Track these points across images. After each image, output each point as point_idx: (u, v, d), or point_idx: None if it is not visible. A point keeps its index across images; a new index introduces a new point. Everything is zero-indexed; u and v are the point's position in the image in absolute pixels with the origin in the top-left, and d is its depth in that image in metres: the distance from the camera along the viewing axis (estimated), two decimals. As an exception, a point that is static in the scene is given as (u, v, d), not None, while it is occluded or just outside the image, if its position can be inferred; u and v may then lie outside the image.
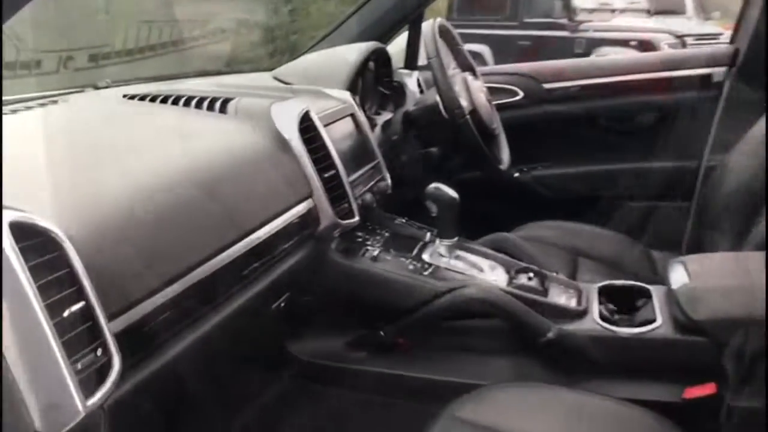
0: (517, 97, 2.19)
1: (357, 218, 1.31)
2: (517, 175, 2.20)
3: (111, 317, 0.73)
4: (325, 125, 1.32)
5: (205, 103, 1.27)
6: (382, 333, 1.33)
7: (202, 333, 0.94)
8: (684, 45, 7.24)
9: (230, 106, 1.26)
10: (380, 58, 1.86)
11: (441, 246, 1.39)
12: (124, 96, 1.34)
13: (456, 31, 1.85)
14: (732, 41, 2.10)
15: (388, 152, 1.75)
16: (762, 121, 1.77)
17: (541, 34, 8.14)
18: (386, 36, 2.07)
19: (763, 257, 1.34)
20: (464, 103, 1.64)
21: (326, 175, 1.25)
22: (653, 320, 1.24)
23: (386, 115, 1.84)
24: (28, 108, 1.27)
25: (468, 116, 1.61)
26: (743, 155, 1.79)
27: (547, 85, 2.17)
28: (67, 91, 1.45)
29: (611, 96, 2.14)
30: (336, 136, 1.36)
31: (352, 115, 1.48)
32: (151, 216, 0.87)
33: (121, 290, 0.77)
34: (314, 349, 1.37)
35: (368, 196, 1.38)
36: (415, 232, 1.50)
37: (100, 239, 0.78)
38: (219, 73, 1.96)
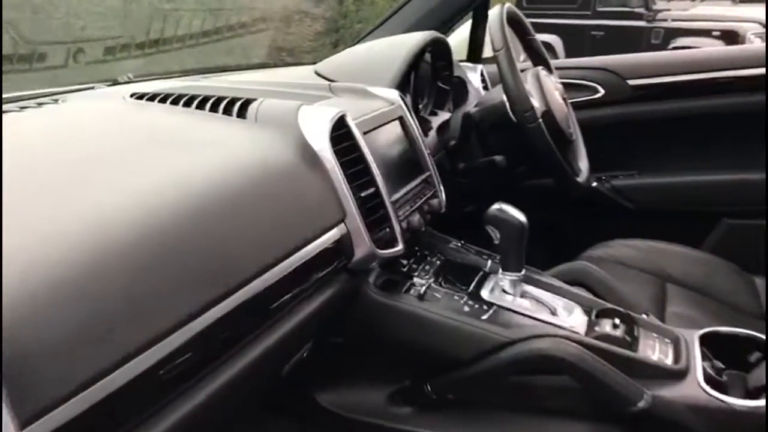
0: (598, 95, 1.90)
1: (401, 246, 1.07)
2: (595, 184, 1.92)
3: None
4: (365, 132, 1.09)
5: (222, 106, 1.06)
6: (428, 387, 1.09)
7: (216, 387, 0.75)
8: (773, 34, 6.72)
9: (251, 109, 1.04)
10: (438, 49, 1.62)
11: (504, 280, 1.14)
12: (132, 95, 1.14)
13: (528, 20, 1.59)
14: None
15: (445, 160, 1.50)
16: None
17: (615, 24, 7.72)
18: (446, 25, 1.83)
19: None
20: (536, 103, 1.37)
21: (363, 194, 1.02)
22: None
23: (444, 116, 1.60)
24: (22, 108, 1.09)
25: (540, 119, 1.34)
26: None
27: (632, 82, 1.88)
28: (74, 88, 1.27)
29: (709, 95, 1.83)
30: (379, 145, 1.13)
31: (401, 119, 1.24)
32: (128, 264, 0.66)
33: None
34: (348, 402, 1.14)
35: (416, 218, 1.14)
36: (472, 259, 1.25)
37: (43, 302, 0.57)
38: (260, 66, 1.75)
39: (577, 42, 7.89)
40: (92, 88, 1.28)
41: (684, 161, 1.88)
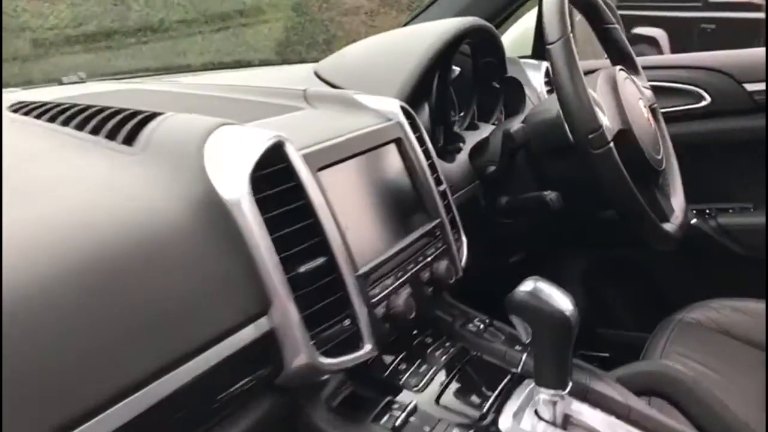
0: (704, 103, 1.45)
1: (368, 348, 0.69)
2: (696, 221, 1.45)
3: None
4: (324, 167, 0.71)
5: (109, 126, 0.70)
6: None
7: None
8: None
9: (145, 131, 0.68)
10: (483, 40, 1.22)
11: (541, 396, 0.73)
12: (11, 107, 0.81)
13: (605, 4, 1.15)
14: None
15: (480, 194, 1.11)
16: None
17: (729, 16, 6.95)
18: (503, 11, 1.42)
19: None
20: (607, 120, 0.95)
21: (304, 269, 0.64)
22: None
23: (487, 130, 1.19)
24: None
25: (612, 143, 0.92)
26: None
27: (750, 86, 1.40)
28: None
29: None
30: (351, 186, 0.75)
31: (398, 142, 0.85)
32: None
33: None
34: None
35: (402, 299, 0.74)
36: (500, 350, 0.85)
37: None
38: (259, 64, 1.40)
39: (685, 37, 7.18)
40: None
41: None
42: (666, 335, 1.22)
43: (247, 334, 0.61)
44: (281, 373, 0.64)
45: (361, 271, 0.70)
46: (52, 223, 0.54)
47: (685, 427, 0.78)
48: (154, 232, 0.57)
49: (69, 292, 0.50)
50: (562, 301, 0.68)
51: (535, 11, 1.62)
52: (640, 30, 7.73)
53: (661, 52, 7.17)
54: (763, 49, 1.55)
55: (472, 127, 1.23)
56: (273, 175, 0.65)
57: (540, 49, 1.57)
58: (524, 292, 0.69)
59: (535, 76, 1.44)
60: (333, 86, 1.10)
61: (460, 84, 1.21)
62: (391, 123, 0.85)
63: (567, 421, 0.74)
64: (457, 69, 1.16)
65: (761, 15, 6.67)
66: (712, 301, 1.31)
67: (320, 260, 0.66)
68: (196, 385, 0.56)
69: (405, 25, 1.51)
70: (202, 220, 0.61)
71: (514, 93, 1.30)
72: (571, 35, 0.93)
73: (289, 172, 0.66)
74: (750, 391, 1.09)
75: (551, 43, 0.93)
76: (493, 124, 1.25)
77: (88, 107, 0.75)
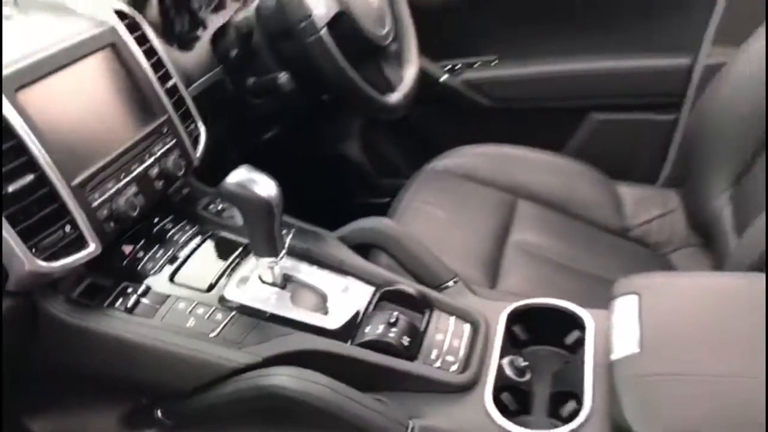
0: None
1: (92, 247, 0.78)
2: (446, 77, 1.61)
3: None
4: (27, 84, 0.76)
5: None
6: (159, 413, 0.85)
7: None
8: None
9: None
10: None
11: (260, 263, 0.87)
12: None
13: None
14: None
15: (226, 78, 1.17)
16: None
17: None
18: None
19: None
20: (320, 7, 1.04)
21: (15, 188, 0.71)
22: (577, 409, 0.75)
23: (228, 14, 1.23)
24: None
25: (322, 30, 1.01)
26: (756, 53, 1.22)
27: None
28: None
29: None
30: (59, 100, 0.80)
31: (113, 47, 0.89)
32: None
33: None
34: (72, 429, 0.90)
35: (122, 200, 0.83)
36: (238, 225, 0.96)
37: None
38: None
39: None
40: None
41: (549, 45, 1.57)
42: (416, 184, 1.40)
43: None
44: (8, 280, 0.73)
45: (75, 181, 0.77)
46: None
47: (392, 271, 0.96)
48: None
49: None
50: (265, 186, 0.80)
51: None
52: None
53: None
54: None
55: (221, 6, 1.26)
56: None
57: None
58: (232, 183, 0.79)
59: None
60: None
61: None
62: (104, 29, 0.88)
63: (286, 279, 0.89)
64: None
65: None
66: (461, 148, 1.49)
67: (29, 177, 0.73)
68: None
69: None
70: None
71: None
72: None
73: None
74: (473, 223, 1.30)
75: None
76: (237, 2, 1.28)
77: None
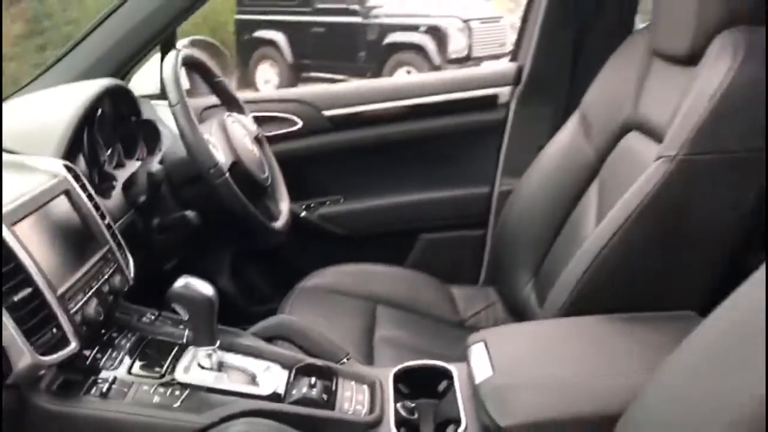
0: (297, 127, 1.92)
1: (73, 345, 0.98)
2: (304, 214, 1.95)
3: None
4: (15, 223, 0.96)
5: None
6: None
7: None
8: (470, 29, 7.48)
9: None
10: (118, 94, 1.51)
11: (200, 354, 1.10)
12: None
13: (210, 63, 1.54)
14: (513, 58, 1.99)
15: (138, 219, 1.41)
16: (552, 142, 1.68)
17: (334, 20, 7.98)
18: (126, 66, 1.69)
19: (563, 324, 1.22)
20: (221, 156, 1.34)
21: (17, 298, 0.91)
22: (458, 420, 1.05)
23: (133, 167, 1.49)
24: None
25: (227, 173, 1.31)
26: (534, 179, 1.69)
27: (327, 113, 1.93)
28: None
29: (397, 122, 1.95)
30: (39, 232, 1.01)
31: (67, 193, 1.12)
32: None
33: None
34: None
35: (92, 307, 1.04)
36: (169, 331, 1.18)
37: None
38: None
39: (301, 38, 8.04)
40: None
41: (382, 184, 1.98)
42: (291, 300, 1.68)
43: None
44: (11, 375, 0.90)
45: (59, 293, 0.98)
46: None
47: (295, 354, 1.22)
48: None
49: None
50: (204, 288, 1.05)
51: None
52: (262, 33, 8.37)
53: (281, 53, 7.86)
54: (335, 85, 2.09)
55: (120, 164, 1.51)
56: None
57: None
58: (179, 287, 1.04)
59: (167, 115, 1.76)
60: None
61: (103, 128, 1.47)
62: (59, 180, 1.12)
63: (221, 366, 1.12)
64: (99, 110, 1.42)
65: (359, 20, 7.81)
66: (325, 269, 1.79)
67: (27, 290, 0.93)
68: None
69: (29, 83, 1.62)
70: None
71: (151, 132, 1.62)
72: (185, 100, 1.29)
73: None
74: (345, 326, 1.59)
75: (173, 105, 1.29)
76: (138, 159, 1.55)
77: None
